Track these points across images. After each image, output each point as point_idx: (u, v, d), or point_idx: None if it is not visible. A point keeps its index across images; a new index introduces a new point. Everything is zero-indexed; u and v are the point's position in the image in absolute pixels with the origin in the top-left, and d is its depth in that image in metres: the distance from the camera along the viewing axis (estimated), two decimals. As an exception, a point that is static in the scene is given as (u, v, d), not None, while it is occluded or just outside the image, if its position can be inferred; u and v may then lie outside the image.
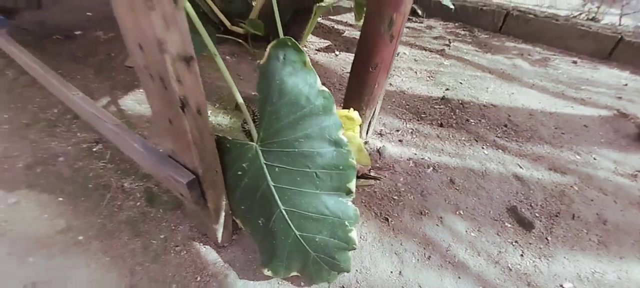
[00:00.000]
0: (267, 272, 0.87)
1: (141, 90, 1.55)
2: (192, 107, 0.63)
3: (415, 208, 1.15)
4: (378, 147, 1.39)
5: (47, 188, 1.11)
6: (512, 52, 2.31)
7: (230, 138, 0.77)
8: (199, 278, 0.93)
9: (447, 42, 2.34)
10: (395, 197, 1.19)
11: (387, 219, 1.12)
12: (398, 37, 1.09)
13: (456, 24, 2.64)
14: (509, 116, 1.66)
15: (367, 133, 1.40)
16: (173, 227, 1.03)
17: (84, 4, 2.32)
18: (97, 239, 0.98)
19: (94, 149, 1.23)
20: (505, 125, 1.60)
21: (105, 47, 1.83)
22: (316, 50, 2.10)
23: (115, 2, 0.52)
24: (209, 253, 0.98)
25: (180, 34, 0.53)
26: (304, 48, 2.07)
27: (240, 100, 0.81)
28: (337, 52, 2.09)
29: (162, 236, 1.00)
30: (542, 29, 2.42)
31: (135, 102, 1.47)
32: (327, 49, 2.13)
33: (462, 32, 2.52)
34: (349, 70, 1.90)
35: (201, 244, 1.00)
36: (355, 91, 1.24)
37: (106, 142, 1.26)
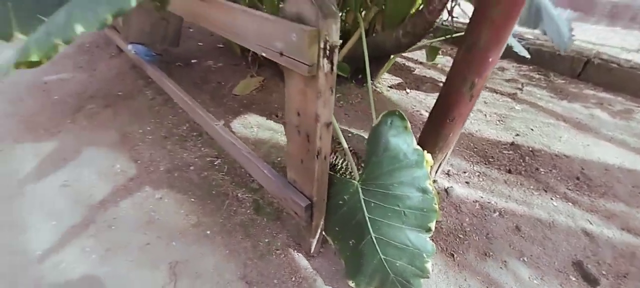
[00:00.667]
0: (351, 283, 1.07)
1: (246, 116, 1.88)
2: (322, 155, 0.87)
3: (479, 249, 1.28)
4: (445, 187, 1.53)
5: (182, 190, 1.44)
6: (591, 100, 2.29)
7: (338, 176, 1.00)
8: (293, 279, 1.16)
9: (519, 86, 2.38)
10: (461, 236, 1.33)
11: (452, 255, 1.26)
12: (477, 96, 1.25)
13: (530, 67, 2.65)
14: (583, 169, 1.69)
15: (436, 172, 1.55)
16: (274, 234, 1.29)
17: (195, 35, 2.81)
18: (219, 235, 1.28)
19: (215, 163, 1.56)
20: (578, 178, 1.63)
21: (216, 75, 2.23)
22: (388, 87, 2.30)
23: (290, 87, 0.78)
24: (301, 259, 1.22)
25: (330, 109, 0.77)
26: (378, 85, 2.28)
27: (345, 145, 1.04)
28: (407, 90, 2.27)
29: (266, 240, 1.27)
30: (627, 78, 2.35)
31: (242, 126, 1.80)
32: (398, 86, 2.31)
33: (537, 76, 2.54)
34: (418, 108, 2.08)
35: (295, 251, 1.24)
36: (431, 137, 1.41)
37: (224, 157, 1.58)
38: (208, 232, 1.28)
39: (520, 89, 2.34)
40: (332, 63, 0.70)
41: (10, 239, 1.26)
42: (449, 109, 1.30)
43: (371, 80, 2.23)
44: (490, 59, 1.12)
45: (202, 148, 1.64)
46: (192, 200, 1.40)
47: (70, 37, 0.73)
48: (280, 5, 0.71)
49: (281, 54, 0.72)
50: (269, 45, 0.74)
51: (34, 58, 0.72)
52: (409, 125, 0.91)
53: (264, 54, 0.78)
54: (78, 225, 1.31)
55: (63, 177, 1.52)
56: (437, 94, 2.14)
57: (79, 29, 0.74)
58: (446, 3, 1.43)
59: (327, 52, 0.68)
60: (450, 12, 1.49)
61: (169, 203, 1.39)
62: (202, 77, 2.23)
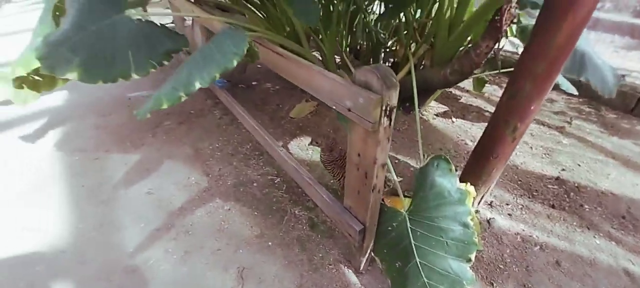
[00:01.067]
0: (395, 301, 1.21)
1: (301, 138, 2.09)
2: (377, 189, 1.03)
3: (519, 281, 1.36)
4: (488, 218, 1.62)
5: (247, 203, 1.67)
6: (645, 137, 2.23)
7: (388, 206, 1.16)
8: (343, 292, 1.32)
9: (568, 119, 2.37)
10: (501, 266, 1.41)
11: (491, 284, 1.35)
12: (520, 138, 1.34)
13: (580, 100, 2.61)
14: (629, 208, 1.69)
15: (478, 203, 1.64)
16: (327, 250, 1.46)
17: (255, 57, 3.10)
18: (279, 247, 1.47)
19: (275, 181, 1.78)
20: (624, 217, 1.64)
21: (274, 98, 2.48)
22: (434, 115, 2.40)
23: (353, 134, 0.96)
24: (350, 275, 1.37)
25: (386, 153, 0.94)
26: (424, 112, 2.39)
27: (394, 177, 1.19)
28: (453, 119, 2.35)
29: (320, 255, 1.44)
30: (688, 115, 2.26)
31: (298, 148, 2.01)
32: (444, 115, 2.41)
33: (587, 110, 2.50)
34: (464, 138, 2.17)
35: (345, 267, 1.40)
36: (474, 171, 1.51)
37: (282, 176, 1.79)
38: (269, 244, 1.48)
39: (569, 123, 2.33)
40: (390, 120, 0.87)
41: (108, 237, 1.54)
42: (492, 147, 1.40)
43: (418, 108, 2.36)
44: (533, 108, 1.22)
45: (264, 167, 1.87)
46: (256, 213, 1.61)
47: (190, 91, 0.97)
48: (352, 72, 0.89)
49: (349, 110, 0.90)
50: (339, 102, 0.92)
51: (164, 106, 0.96)
52: (453, 167, 1.04)
53: (334, 107, 0.96)
54: (161, 229, 1.57)
55: (148, 185, 1.81)
56: (483, 124, 2.23)
57: (197, 85, 0.97)
58: (493, 47, 1.54)
59: (387, 112, 0.84)
60: (496, 54, 1.58)
61: (236, 214, 1.62)
62: (262, 98, 2.49)
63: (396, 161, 1.92)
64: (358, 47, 2.59)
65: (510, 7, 1.45)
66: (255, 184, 1.76)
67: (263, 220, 1.58)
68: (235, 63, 1.01)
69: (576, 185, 1.83)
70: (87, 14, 1.17)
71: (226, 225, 1.57)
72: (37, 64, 1.56)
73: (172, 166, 1.93)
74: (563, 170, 1.93)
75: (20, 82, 1.60)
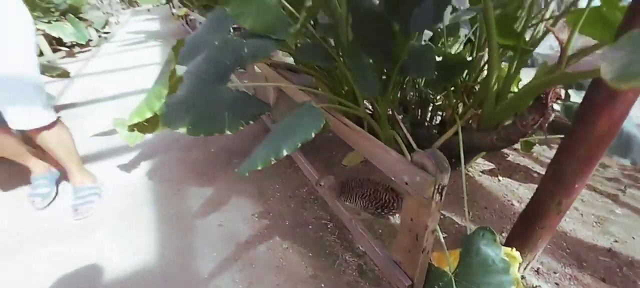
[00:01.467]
0: None
1: (352, 187, 2.29)
2: (426, 251, 1.18)
3: None
4: (534, 286, 1.66)
5: (303, 244, 1.87)
6: None
7: (436, 266, 1.30)
8: (388, 339, 1.45)
9: (622, 187, 2.33)
10: (545, 334, 1.46)
11: (534, 351, 1.40)
12: (565, 211, 1.43)
13: (636, 167, 2.55)
14: (690, 291, 1.64)
15: (524, 269, 1.70)
16: (374, 298, 1.60)
17: (311, 104, 3.42)
18: (330, 289, 1.65)
19: (328, 226, 1.98)
20: (683, 300, 1.60)
21: (328, 145, 2.73)
22: (480, 172, 2.48)
23: (408, 201, 1.14)
24: (395, 324, 1.50)
25: (435, 221, 1.10)
26: (470, 169, 2.49)
27: (440, 235, 1.34)
28: (500, 178, 2.42)
29: (367, 301, 1.59)
30: None
31: (350, 196, 2.21)
32: (490, 172, 2.48)
33: (645, 178, 2.44)
34: (510, 198, 2.22)
35: (390, 316, 1.53)
36: (521, 237, 1.58)
37: (335, 222, 1.99)
38: (322, 285, 1.66)
39: (623, 191, 2.29)
40: (441, 196, 1.04)
41: (187, 261, 1.81)
42: (538, 217, 1.48)
43: (464, 165, 2.46)
44: (577, 186, 1.31)
45: (318, 211, 2.08)
46: (310, 255, 1.81)
47: (279, 156, 1.22)
48: (411, 154, 1.09)
49: (406, 183, 1.09)
50: (398, 175, 1.12)
51: (259, 167, 1.21)
52: (497, 238, 1.17)
53: (392, 178, 1.16)
54: (229, 259, 1.81)
55: (220, 218, 2.09)
56: (530, 184, 2.28)
57: (285, 152, 1.22)
58: (539, 121, 1.65)
59: (439, 190, 1.02)
60: (542, 128, 1.68)
61: (293, 254, 1.82)
62: (318, 145, 2.75)
63: (442, 217, 2.03)
64: (407, 103, 2.79)
65: (556, 86, 1.58)
66: (310, 227, 1.97)
67: (317, 261, 1.77)
68: (313, 135, 1.26)
69: (629, 259, 1.80)
70: (199, 84, 1.51)
71: (284, 262, 1.78)
72: (149, 115, 1.96)
73: (240, 202, 2.21)
74: (615, 241, 1.91)
75: (133, 127, 2.00)
